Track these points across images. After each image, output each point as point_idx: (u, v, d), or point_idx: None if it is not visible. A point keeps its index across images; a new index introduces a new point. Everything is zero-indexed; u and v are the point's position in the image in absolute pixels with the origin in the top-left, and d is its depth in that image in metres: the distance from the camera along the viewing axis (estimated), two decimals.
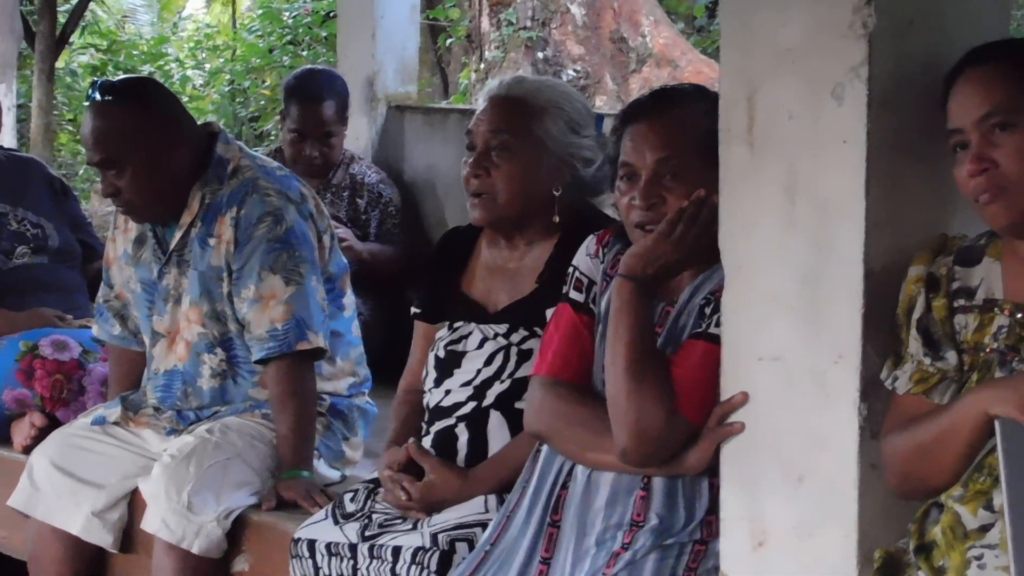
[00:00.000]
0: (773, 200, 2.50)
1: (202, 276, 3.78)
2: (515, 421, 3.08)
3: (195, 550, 3.58)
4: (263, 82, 13.23)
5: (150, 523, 3.62)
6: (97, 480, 3.83)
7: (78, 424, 3.99)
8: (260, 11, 13.83)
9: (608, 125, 3.10)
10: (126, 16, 15.94)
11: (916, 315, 2.41)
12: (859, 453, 2.43)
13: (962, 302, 2.40)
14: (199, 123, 3.93)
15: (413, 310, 3.43)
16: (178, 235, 3.80)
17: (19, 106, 11.47)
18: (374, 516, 3.18)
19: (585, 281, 2.92)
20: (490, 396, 3.19)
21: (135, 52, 14.71)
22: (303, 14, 13.03)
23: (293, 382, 3.71)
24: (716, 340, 2.64)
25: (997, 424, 2.20)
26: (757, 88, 2.52)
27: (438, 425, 3.24)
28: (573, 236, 3.08)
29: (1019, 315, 2.34)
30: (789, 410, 2.52)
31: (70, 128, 13.50)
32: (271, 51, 13.26)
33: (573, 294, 2.92)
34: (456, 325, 3.29)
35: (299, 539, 3.22)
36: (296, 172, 4.05)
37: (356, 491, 3.30)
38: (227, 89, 13.76)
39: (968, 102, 2.33)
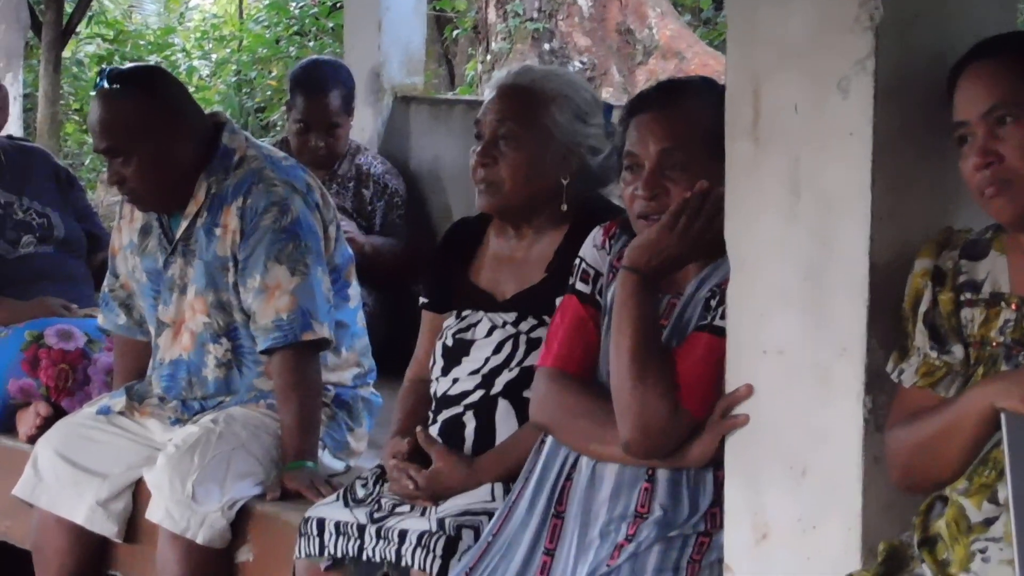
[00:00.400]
0: (778, 193, 2.50)
1: (208, 266, 3.78)
2: (523, 410, 3.07)
3: (199, 540, 3.59)
4: (269, 73, 13.22)
5: (154, 513, 3.63)
6: (101, 470, 3.84)
7: (83, 414, 4.00)
8: (267, 1, 13.79)
9: (617, 116, 3.10)
10: (132, 6, 15.91)
11: (923, 308, 2.40)
12: (862, 446, 2.43)
13: (968, 296, 2.40)
14: (205, 113, 3.93)
15: (421, 300, 3.42)
16: (184, 225, 3.80)
17: (25, 96, 11.46)
18: (383, 501, 3.19)
19: (592, 272, 2.91)
20: (498, 384, 3.19)
21: (141, 42, 14.67)
22: (310, 5, 13.01)
23: (298, 373, 3.71)
24: (721, 333, 2.64)
25: (1003, 418, 2.20)
26: (763, 82, 2.51)
27: (445, 414, 3.23)
28: (583, 227, 3.07)
29: None
30: (793, 403, 2.52)
31: (76, 118, 13.48)
32: (277, 42, 13.25)
33: (579, 285, 2.91)
34: (464, 313, 3.28)
35: (309, 518, 3.23)
36: (302, 163, 4.05)
37: (366, 478, 3.31)
38: (233, 79, 13.74)
39: (974, 95, 2.32)
